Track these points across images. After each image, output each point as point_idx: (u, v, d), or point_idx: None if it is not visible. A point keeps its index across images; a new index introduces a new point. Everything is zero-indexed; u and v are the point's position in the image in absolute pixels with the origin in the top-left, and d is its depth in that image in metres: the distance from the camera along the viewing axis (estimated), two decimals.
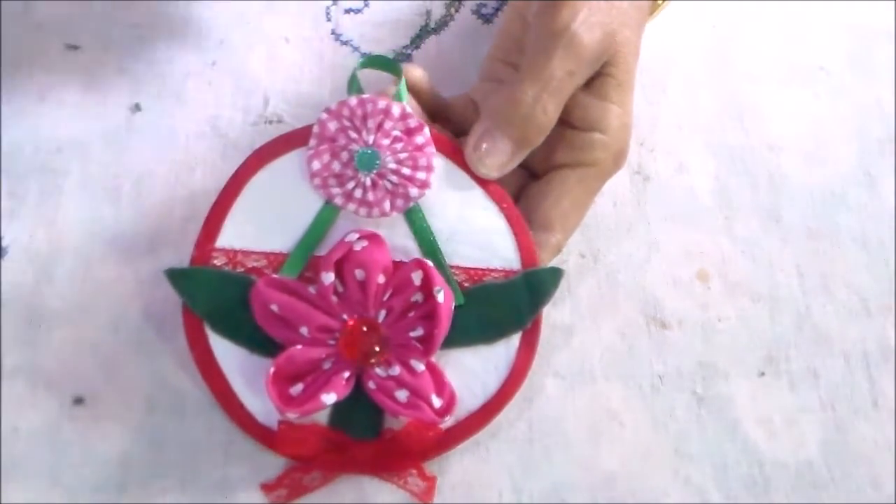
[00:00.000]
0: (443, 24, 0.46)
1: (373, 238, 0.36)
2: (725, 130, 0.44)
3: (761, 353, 0.39)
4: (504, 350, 0.36)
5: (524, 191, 0.38)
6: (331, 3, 0.46)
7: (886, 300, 0.40)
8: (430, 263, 0.35)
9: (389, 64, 0.38)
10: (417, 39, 0.45)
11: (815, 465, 0.37)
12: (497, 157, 0.36)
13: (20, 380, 0.37)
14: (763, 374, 0.38)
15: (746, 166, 0.43)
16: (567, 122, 0.37)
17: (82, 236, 0.40)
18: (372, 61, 0.38)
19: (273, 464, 0.36)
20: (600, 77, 0.37)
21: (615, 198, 0.42)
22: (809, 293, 0.40)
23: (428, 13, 0.46)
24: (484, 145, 0.36)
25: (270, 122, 0.43)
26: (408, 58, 0.45)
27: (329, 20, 0.46)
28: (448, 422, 0.35)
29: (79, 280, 0.39)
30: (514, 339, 0.36)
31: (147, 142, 0.42)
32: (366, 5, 0.46)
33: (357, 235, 0.35)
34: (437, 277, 0.35)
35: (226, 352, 0.35)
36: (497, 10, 0.47)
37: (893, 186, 0.43)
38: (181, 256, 0.39)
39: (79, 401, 0.36)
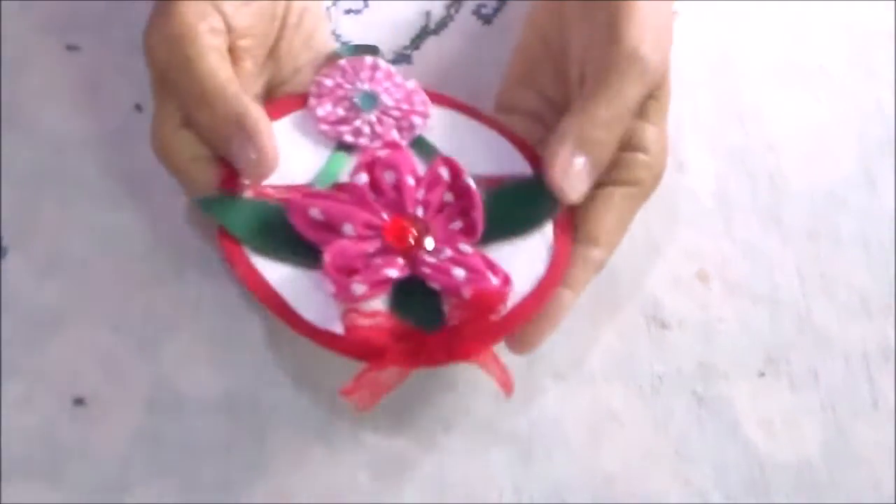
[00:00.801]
0: (442, 24, 0.46)
1: (394, 145, 0.37)
2: (725, 131, 0.44)
3: (761, 354, 0.39)
4: (541, 237, 0.36)
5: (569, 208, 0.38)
6: (331, 3, 0.46)
7: (887, 301, 0.40)
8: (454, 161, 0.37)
9: (369, 49, 0.41)
10: (417, 40, 0.45)
11: (815, 467, 0.37)
12: (584, 180, 0.36)
13: (20, 380, 0.37)
14: (763, 374, 0.38)
15: (746, 167, 0.43)
16: None
17: (82, 236, 0.40)
18: (349, 50, 0.41)
19: (274, 461, 0.36)
20: (646, 99, 0.37)
21: None
22: (810, 294, 0.40)
23: (427, 14, 0.46)
24: (572, 169, 0.36)
25: None
26: (407, 58, 0.45)
27: (329, 20, 0.46)
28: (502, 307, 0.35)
29: (79, 280, 0.39)
30: (548, 228, 0.36)
31: (148, 142, 0.42)
32: (365, 6, 0.46)
33: (379, 144, 0.37)
34: (464, 169, 0.36)
35: (270, 268, 0.35)
36: (497, 10, 0.47)
37: (894, 187, 0.43)
38: (181, 257, 0.39)
39: (79, 401, 0.36)
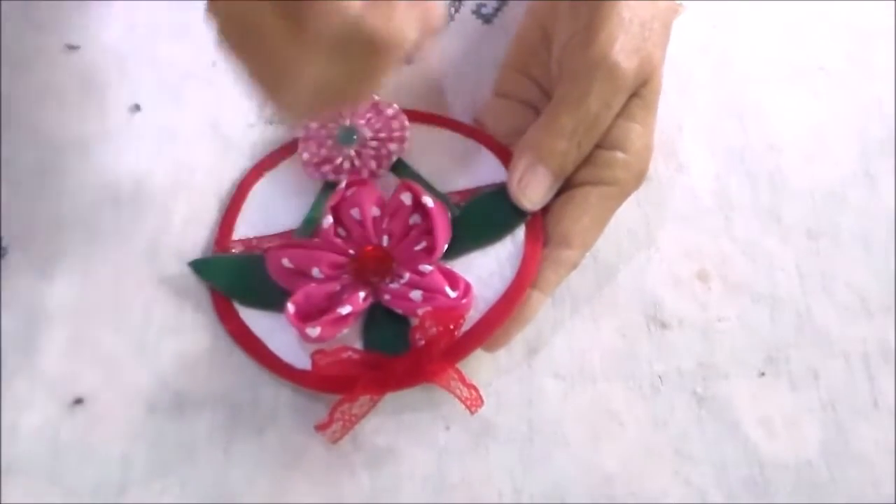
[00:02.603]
0: None
1: (361, 182, 0.39)
2: (725, 130, 0.44)
3: (761, 354, 0.39)
4: (511, 243, 0.37)
5: (545, 207, 0.38)
6: None
7: (887, 300, 0.40)
8: (415, 184, 0.38)
9: None
10: None
11: (815, 466, 0.37)
12: (540, 190, 0.37)
13: (20, 380, 0.37)
14: (763, 374, 0.38)
15: (746, 166, 0.43)
16: None
17: (82, 236, 0.40)
18: None
19: (274, 461, 0.36)
20: (629, 98, 0.37)
21: None
22: (810, 293, 0.40)
23: None
24: (527, 179, 0.37)
25: (270, 122, 0.43)
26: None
27: None
28: (472, 315, 0.36)
29: (79, 280, 0.39)
30: (519, 232, 0.38)
31: (147, 142, 0.42)
32: None
33: (345, 183, 0.38)
34: (424, 191, 0.37)
35: (257, 320, 0.37)
36: (497, 10, 0.47)
37: (893, 186, 0.43)
38: (181, 256, 0.39)
39: (78, 401, 0.36)
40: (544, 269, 0.37)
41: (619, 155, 0.37)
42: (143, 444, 0.36)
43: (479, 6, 0.47)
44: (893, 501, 0.36)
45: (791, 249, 0.41)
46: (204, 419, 0.36)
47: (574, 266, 0.37)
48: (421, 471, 0.36)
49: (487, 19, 0.46)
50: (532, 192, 0.37)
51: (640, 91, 0.37)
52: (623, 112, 0.37)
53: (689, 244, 0.41)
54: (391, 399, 0.36)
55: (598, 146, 0.37)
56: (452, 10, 0.46)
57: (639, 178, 0.38)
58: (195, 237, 0.40)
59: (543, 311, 0.39)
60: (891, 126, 0.44)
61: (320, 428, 0.35)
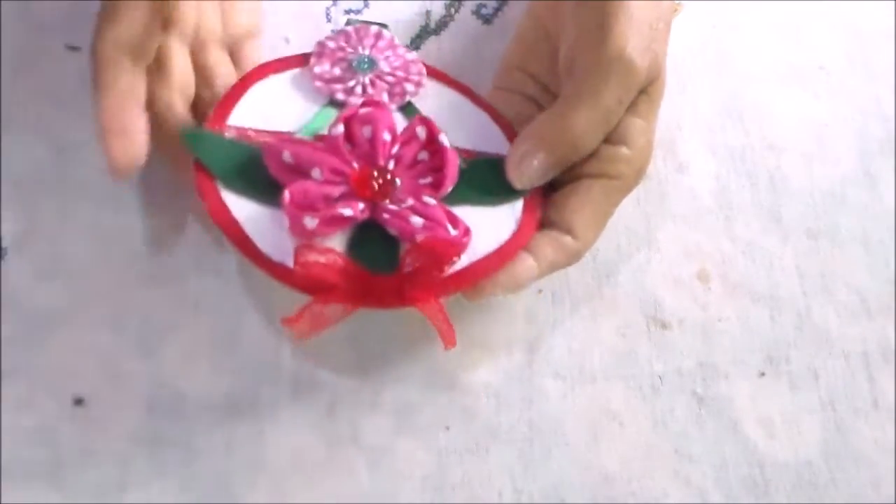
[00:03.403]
0: (443, 24, 0.46)
1: (377, 104, 0.38)
2: (725, 130, 0.44)
3: (761, 354, 0.39)
4: (510, 210, 0.37)
5: (546, 199, 0.38)
6: (331, 3, 0.46)
7: (886, 300, 0.40)
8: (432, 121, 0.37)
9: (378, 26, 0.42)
10: (417, 40, 0.45)
11: (815, 466, 0.37)
12: (537, 175, 0.37)
13: (20, 380, 0.37)
14: (763, 374, 0.38)
15: (746, 166, 0.43)
16: None
17: (82, 236, 0.40)
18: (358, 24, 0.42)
19: (274, 461, 0.36)
20: (637, 94, 0.37)
21: None
22: (809, 293, 0.40)
23: (428, 14, 0.46)
24: (527, 162, 0.37)
25: None
26: None
27: (329, 20, 0.46)
28: (463, 261, 0.35)
29: (79, 280, 0.39)
30: (518, 203, 0.37)
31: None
32: (365, 6, 0.46)
33: (362, 102, 0.38)
34: (440, 130, 0.37)
35: (238, 204, 0.35)
36: (497, 10, 0.47)
37: (893, 186, 0.43)
38: (181, 256, 0.39)
39: (79, 401, 0.36)
40: (543, 244, 0.36)
41: (624, 150, 0.37)
42: (143, 444, 0.36)
43: (479, 6, 0.47)
44: (893, 501, 0.36)
45: (791, 249, 0.41)
46: (204, 419, 0.36)
47: (572, 255, 0.37)
48: (421, 471, 0.36)
49: (487, 19, 0.46)
50: (528, 176, 0.37)
51: (648, 89, 0.38)
52: (629, 108, 0.37)
53: (689, 244, 0.41)
54: (391, 398, 0.36)
55: (604, 141, 0.37)
56: (452, 10, 0.47)
57: (640, 173, 0.38)
58: (195, 238, 0.40)
59: (543, 310, 0.39)
60: (891, 126, 0.44)
61: (288, 321, 0.33)
